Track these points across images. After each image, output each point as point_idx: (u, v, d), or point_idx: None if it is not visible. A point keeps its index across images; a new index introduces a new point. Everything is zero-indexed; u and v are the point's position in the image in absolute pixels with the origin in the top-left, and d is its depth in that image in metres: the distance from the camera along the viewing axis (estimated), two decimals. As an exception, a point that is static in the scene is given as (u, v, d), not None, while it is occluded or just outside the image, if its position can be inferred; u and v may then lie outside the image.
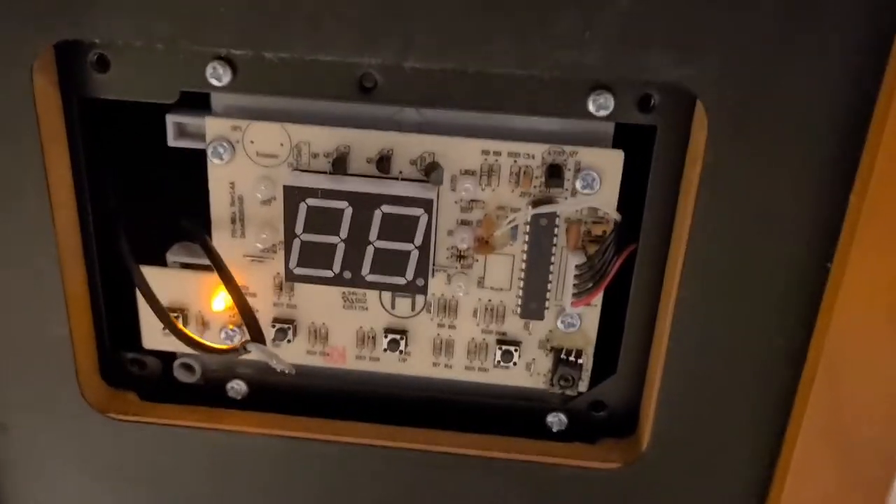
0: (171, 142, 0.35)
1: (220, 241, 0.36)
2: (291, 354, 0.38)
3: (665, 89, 0.32)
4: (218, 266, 0.34)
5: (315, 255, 0.34)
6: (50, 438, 0.39)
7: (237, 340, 0.38)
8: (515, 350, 0.37)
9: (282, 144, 0.34)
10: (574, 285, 0.34)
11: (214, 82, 0.33)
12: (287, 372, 0.31)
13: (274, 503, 0.40)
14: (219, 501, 0.40)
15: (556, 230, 0.34)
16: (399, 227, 0.33)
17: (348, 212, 0.33)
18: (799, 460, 0.35)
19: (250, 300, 0.37)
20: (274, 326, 0.37)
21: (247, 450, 0.39)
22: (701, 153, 0.31)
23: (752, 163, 0.30)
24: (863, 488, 0.35)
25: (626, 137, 0.34)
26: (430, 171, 0.33)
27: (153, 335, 0.38)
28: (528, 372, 0.37)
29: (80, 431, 0.39)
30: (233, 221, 0.36)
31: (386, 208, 0.33)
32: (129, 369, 0.40)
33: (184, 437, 0.39)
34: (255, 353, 0.31)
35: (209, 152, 0.34)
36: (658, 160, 0.33)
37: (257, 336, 0.31)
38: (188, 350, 0.37)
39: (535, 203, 0.34)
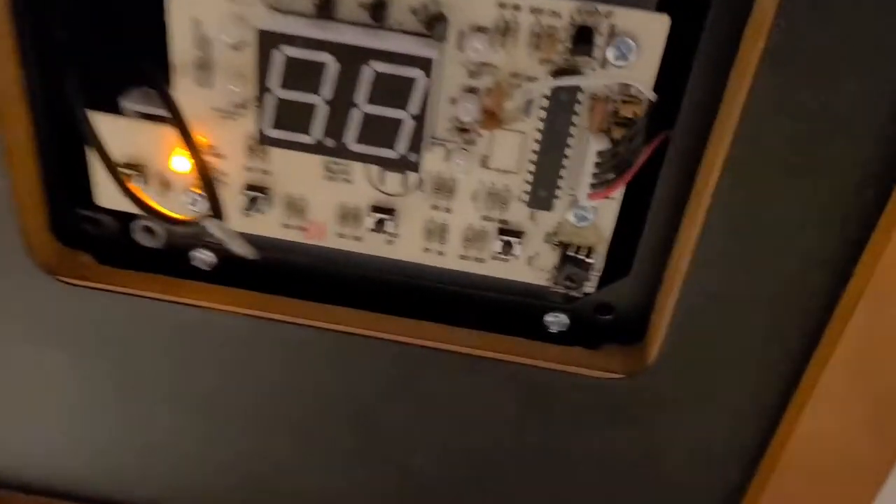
0: (127, -35, 0.29)
1: (184, 90, 0.31)
2: (264, 226, 0.33)
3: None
4: (176, 118, 0.29)
5: (293, 116, 0.29)
6: (-3, 298, 0.35)
7: (202, 206, 0.33)
8: (518, 242, 0.32)
9: (258, -22, 0.28)
10: (593, 175, 0.29)
11: None
12: (248, 256, 0.26)
13: (235, 386, 0.36)
14: (176, 379, 0.37)
15: (577, 107, 0.29)
16: (392, 90, 0.28)
17: (334, 66, 0.28)
18: (821, 390, 0.31)
19: (218, 162, 0.32)
20: (245, 194, 0.32)
21: (210, 326, 0.35)
22: (767, 27, 0.25)
23: (830, 45, 0.25)
24: (882, 431, 0.31)
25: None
26: (433, 23, 0.27)
27: (108, 192, 0.34)
28: (529, 266, 0.33)
29: (27, 294, 0.35)
30: (198, 67, 0.30)
31: (378, 65, 0.27)
32: (83, 228, 0.36)
33: (142, 308, 0.35)
34: (211, 231, 0.26)
35: (170, -20, 0.28)
36: (710, 30, 0.27)
37: (216, 210, 0.27)
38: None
39: (557, 73, 0.28)
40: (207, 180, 0.28)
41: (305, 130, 0.29)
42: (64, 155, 0.34)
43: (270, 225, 0.34)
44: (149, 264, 0.36)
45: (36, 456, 0.41)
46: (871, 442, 0.32)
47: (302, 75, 0.28)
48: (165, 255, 0.36)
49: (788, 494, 0.34)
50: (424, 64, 0.27)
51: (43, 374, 0.37)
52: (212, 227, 0.26)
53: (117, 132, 0.32)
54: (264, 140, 0.30)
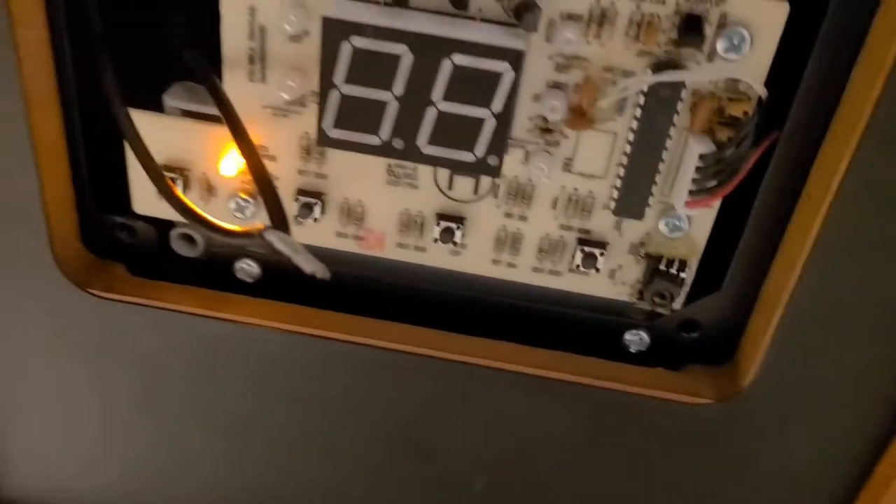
0: (173, -54, 0.26)
1: (234, 85, 0.28)
2: (318, 236, 0.30)
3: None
4: (229, 118, 0.26)
5: (358, 115, 0.26)
6: (19, 312, 0.32)
7: (250, 213, 0.30)
8: (601, 253, 0.29)
9: (322, -41, 0.25)
10: (693, 181, 0.26)
11: None
12: (318, 275, 0.23)
13: (282, 408, 0.33)
14: (215, 402, 0.34)
15: (679, 106, 0.26)
16: (474, 86, 0.25)
17: (407, 59, 0.25)
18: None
19: (270, 165, 0.29)
20: (298, 200, 0.30)
21: (254, 346, 0.32)
22: (909, 14, 0.22)
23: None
24: None
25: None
26: (522, 11, 0.24)
27: (146, 198, 0.31)
28: (611, 280, 0.30)
29: (56, 307, 0.32)
30: (251, 61, 0.27)
31: (458, 58, 0.24)
32: (116, 236, 0.33)
33: (180, 323, 0.32)
34: (275, 244, 0.23)
35: (223, -36, 0.25)
36: (834, 20, 0.24)
37: (279, 221, 0.24)
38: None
39: (658, 67, 0.25)
40: (268, 184, 0.25)
41: (372, 130, 0.26)
42: (97, 156, 0.31)
43: (324, 234, 0.31)
44: (186, 275, 0.33)
45: (62, 473, 0.38)
46: None
47: (371, 69, 0.25)
48: (205, 266, 0.33)
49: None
50: (513, 57, 0.24)
51: (70, 389, 0.34)
52: (276, 240, 0.23)
53: (158, 131, 0.29)
54: (324, 141, 0.27)
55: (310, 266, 0.23)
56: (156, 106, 0.29)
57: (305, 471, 0.35)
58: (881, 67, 0.23)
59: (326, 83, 0.26)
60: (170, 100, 0.29)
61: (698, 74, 0.25)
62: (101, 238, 0.33)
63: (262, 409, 0.34)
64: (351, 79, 0.25)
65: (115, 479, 0.38)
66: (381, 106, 0.26)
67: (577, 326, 0.32)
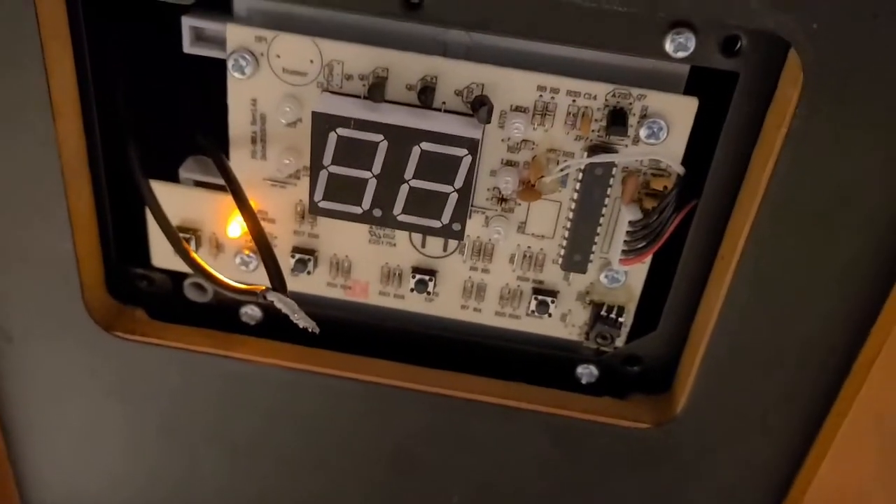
0: (187, 48, 0.31)
1: (239, 162, 0.33)
2: (311, 286, 0.35)
3: (756, 34, 0.27)
4: (234, 190, 0.31)
5: (343, 190, 0.31)
6: (54, 352, 0.37)
7: (253, 268, 0.35)
8: (552, 301, 0.34)
9: (312, 61, 0.30)
10: (625, 242, 0.31)
11: (239, -16, 0.28)
12: (311, 330, 0.28)
13: (281, 436, 0.38)
14: (225, 429, 0.38)
15: (611, 181, 0.31)
16: (439, 167, 0.30)
17: (383, 146, 0.30)
18: (842, 441, 0.33)
19: (268, 227, 0.34)
20: (294, 256, 0.34)
21: (258, 379, 0.37)
22: (790, 112, 0.27)
23: (847, 128, 0.27)
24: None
25: (701, 81, 0.30)
26: (477, 105, 0.29)
27: (163, 253, 0.36)
28: (562, 323, 0.35)
29: (85, 347, 0.37)
30: (253, 142, 0.32)
31: (426, 145, 0.29)
32: (137, 285, 0.38)
33: (192, 361, 0.37)
34: (275, 303, 0.28)
35: (230, 64, 0.30)
36: (736, 111, 0.29)
37: (279, 283, 0.28)
38: (199, 273, 0.35)
39: (592, 150, 0.30)
40: (267, 252, 0.30)
41: (355, 202, 0.31)
42: (121, 218, 0.36)
43: (316, 284, 0.35)
44: (198, 319, 0.38)
45: (86, 494, 0.43)
46: (885, 495, 0.34)
47: (353, 153, 0.30)
48: (214, 310, 0.38)
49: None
50: (470, 144, 0.29)
51: (96, 419, 0.39)
52: (276, 300, 0.28)
53: (174, 198, 0.34)
54: (315, 210, 0.32)
55: (303, 322, 0.28)
56: (172, 177, 0.34)
57: (303, 486, 0.40)
58: (771, 151, 0.28)
59: (316, 164, 0.30)
60: (184, 172, 0.34)
61: (625, 157, 0.30)
62: (124, 287, 0.37)
63: (265, 433, 0.38)
64: (336, 160, 0.30)
65: (134, 498, 0.43)
66: (362, 182, 0.31)
67: (535, 362, 0.37)
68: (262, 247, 0.30)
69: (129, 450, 0.40)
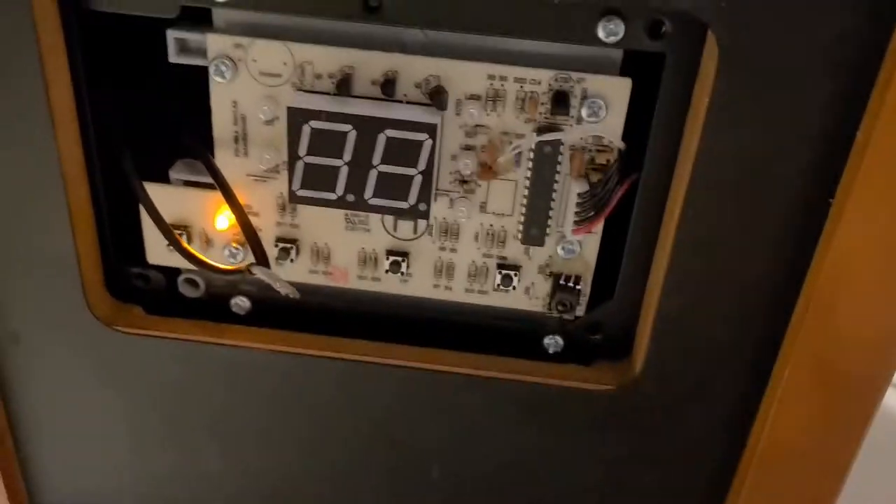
0: (173, 58, 0.34)
1: (223, 160, 0.36)
2: (294, 273, 0.38)
3: (677, 16, 0.31)
4: (221, 185, 0.35)
5: (318, 178, 0.34)
6: (59, 349, 0.40)
7: (240, 258, 0.38)
8: (515, 275, 0.37)
9: (285, 63, 0.34)
10: (576, 213, 0.34)
11: (216, -3, 0.32)
12: (290, 295, 0.31)
13: (275, 416, 0.41)
14: (222, 413, 0.41)
15: (559, 158, 0.34)
16: (403, 152, 0.33)
17: (352, 135, 0.33)
18: (786, 389, 0.36)
19: (253, 219, 0.37)
20: (277, 246, 0.37)
21: (249, 364, 0.40)
22: (710, 84, 0.30)
23: (761, 97, 0.30)
24: (844, 419, 0.36)
25: (634, 64, 0.33)
26: (435, 95, 0.33)
27: (157, 250, 0.39)
28: (526, 296, 0.38)
29: (88, 343, 0.39)
30: (235, 141, 0.36)
31: (390, 132, 0.33)
32: (134, 283, 0.41)
33: (188, 351, 0.40)
34: (259, 276, 0.31)
35: (211, 70, 0.34)
36: (666, 89, 0.33)
37: (262, 259, 0.32)
38: (190, 265, 0.38)
39: (540, 130, 0.34)
40: (252, 234, 0.33)
41: (329, 189, 0.34)
42: (116, 220, 0.39)
43: (299, 271, 0.38)
44: (191, 312, 0.41)
45: (91, 486, 0.45)
46: (834, 435, 0.37)
47: (326, 143, 0.33)
48: (205, 304, 0.41)
49: (765, 489, 0.39)
50: (430, 129, 0.33)
51: (102, 416, 0.42)
52: (259, 272, 0.31)
53: (165, 198, 0.37)
54: (294, 199, 0.35)
55: (284, 290, 0.31)
56: (163, 178, 0.37)
57: (294, 462, 0.42)
58: (698, 123, 0.31)
59: (293, 155, 0.34)
60: (174, 173, 0.37)
61: (570, 134, 0.33)
62: (122, 285, 0.40)
63: (256, 414, 0.41)
64: (311, 151, 0.34)
65: (144, 494, 0.45)
66: (335, 170, 0.34)
67: (505, 334, 0.40)
68: (246, 228, 0.33)
69: (132, 440, 0.43)
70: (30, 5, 0.31)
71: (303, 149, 0.33)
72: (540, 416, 0.39)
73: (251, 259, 0.35)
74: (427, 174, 0.33)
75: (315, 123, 0.33)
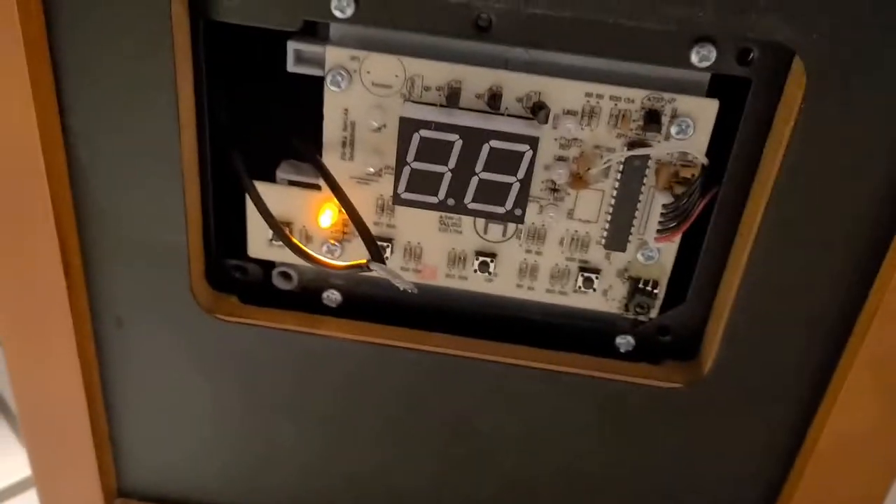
0: (291, 67, 0.37)
1: (330, 162, 0.39)
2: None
3: (767, 46, 0.34)
4: (333, 186, 0.37)
5: (423, 182, 0.37)
6: (159, 334, 0.43)
7: (338, 254, 0.41)
8: (596, 277, 0.40)
9: (396, 76, 0.36)
10: (659, 223, 0.37)
11: (338, 14, 0.34)
12: (409, 290, 0.34)
13: (359, 404, 0.44)
14: (310, 399, 0.44)
15: (647, 171, 0.37)
16: (504, 161, 0.36)
17: (458, 144, 0.36)
18: (848, 390, 0.38)
19: (353, 219, 0.40)
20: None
21: (338, 354, 0.42)
22: (795, 110, 0.33)
23: (845, 126, 0.33)
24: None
25: (720, 86, 0.36)
26: (537, 109, 0.36)
27: (258, 244, 0.42)
28: (604, 297, 0.41)
29: (189, 329, 0.42)
30: (343, 145, 0.38)
31: (494, 143, 0.35)
32: (232, 275, 0.43)
33: (281, 339, 0.42)
34: (377, 272, 0.34)
35: (328, 80, 0.36)
36: (750, 111, 0.35)
37: (377, 255, 0.34)
38: (286, 259, 0.41)
39: (631, 145, 0.36)
40: (366, 232, 0.35)
41: (433, 193, 0.37)
42: (220, 216, 0.42)
43: (392, 268, 0.41)
44: (285, 304, 0.43)
45: (173, 466, 0.48)
46: (888, 435, 0.39)
47: (433, 151, 0.36)
48: (299, 296, 0.44)
49: (820, 482, 0.42)
50: (531, 141, 0.35)
51: (191, 396, 0.44)
52: (378, 269, 0.34)
53: (270, 196, 0.40)
54: (398, 201, 0.37)
55: (402, 284, 0.34)
56: (270, 178, 0.40)
57: (372, 451, 0.45)
58: (781, 143, 0.34)
59: (401, 161, 0.36)
60: (280, 173, 0.40)
61: (658, 150, 0.36)
62: (221, 276, 0.43)
63: (346, 403, 0.44)
64: (418, 157, 0.36)
65: (225, 474, 0.48)
66: (439, 176, 0.37)
67: (581, 333, 0.42)
68: (359, 226, 0.36)
69: (217, 422, 0.45)
70: (169, 14, 0.34)
71: (411, 155, 0.36)
72: (611, 409, 0.42)
73: (348, 256, 0.38)
74: (525, 182, 0.36)
75: (424, 132, 0.36)
